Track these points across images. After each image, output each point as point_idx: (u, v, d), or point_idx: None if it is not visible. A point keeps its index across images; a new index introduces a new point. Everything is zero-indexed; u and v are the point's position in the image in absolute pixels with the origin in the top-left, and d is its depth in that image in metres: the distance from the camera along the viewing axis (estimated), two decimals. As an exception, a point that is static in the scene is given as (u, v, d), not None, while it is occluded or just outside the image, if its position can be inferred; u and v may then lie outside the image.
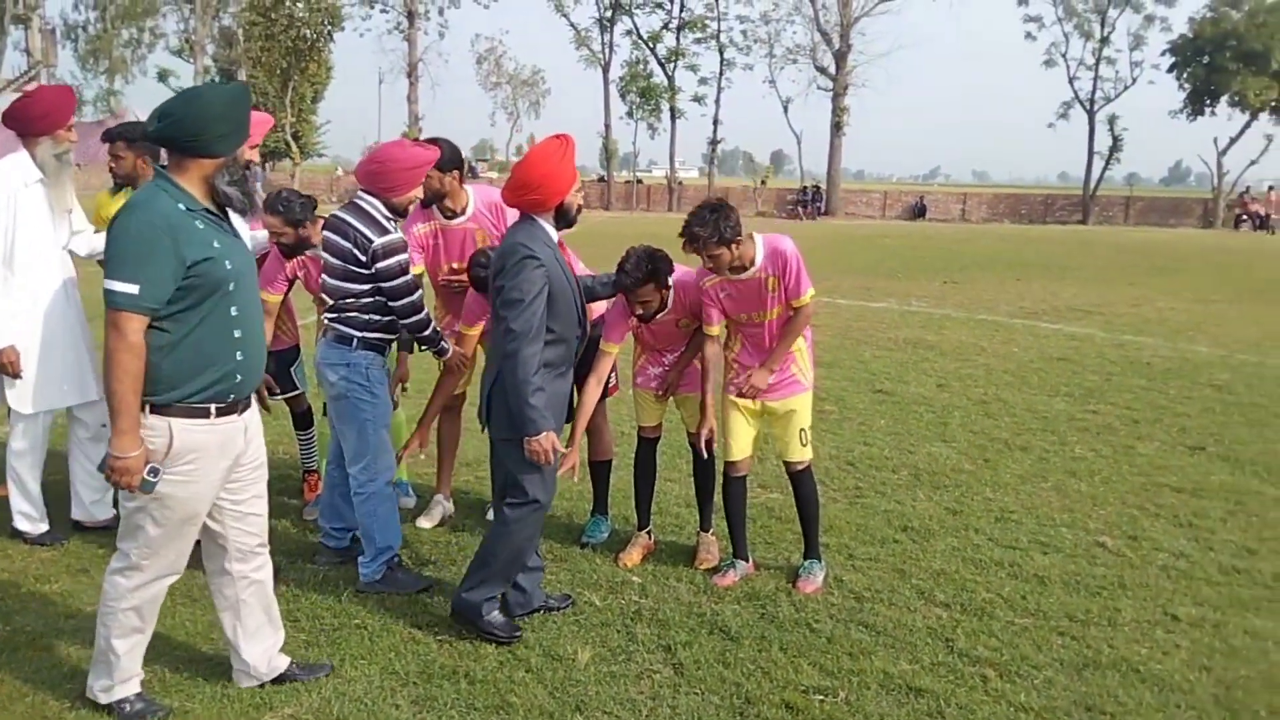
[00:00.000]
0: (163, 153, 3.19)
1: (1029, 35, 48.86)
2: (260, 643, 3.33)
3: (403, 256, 4.00)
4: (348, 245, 3.97)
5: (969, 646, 3.78)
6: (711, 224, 3.92)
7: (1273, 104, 45.43)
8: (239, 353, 2.97)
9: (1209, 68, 45.90)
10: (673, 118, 48.65)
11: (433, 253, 4.76)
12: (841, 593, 4.26)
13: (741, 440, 4.31)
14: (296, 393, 5.15)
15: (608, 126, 49.61)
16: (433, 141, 4.48)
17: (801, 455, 4.29)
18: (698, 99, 48.85)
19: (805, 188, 47.63)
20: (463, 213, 4.65)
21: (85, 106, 47.66)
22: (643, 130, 50.05)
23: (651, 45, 48.18)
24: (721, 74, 48.48)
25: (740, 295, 4.16)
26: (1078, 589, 4.34)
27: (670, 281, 4.22)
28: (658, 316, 4.31)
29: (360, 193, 4.07)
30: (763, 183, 52.29)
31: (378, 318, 4.06)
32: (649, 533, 4.71)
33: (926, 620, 3.99)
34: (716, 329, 4.27)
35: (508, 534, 3.72)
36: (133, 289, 2.74)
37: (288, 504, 5.20)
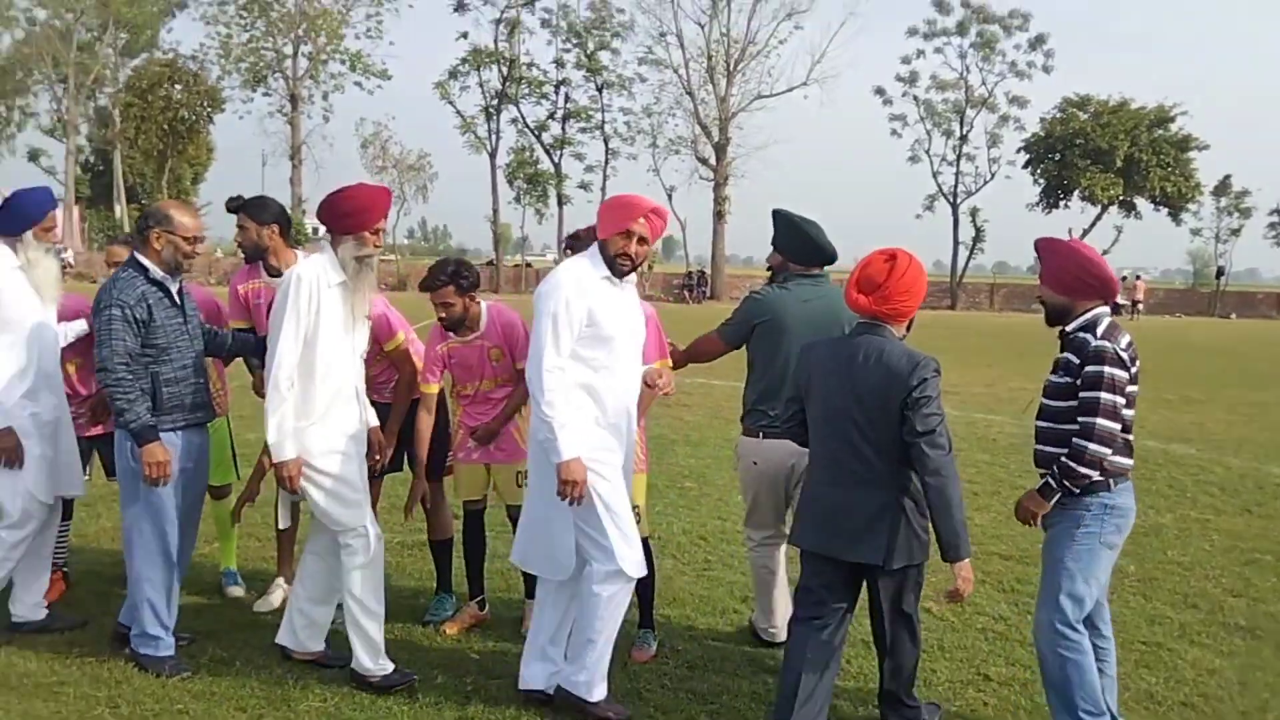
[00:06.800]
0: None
1: (894, 133, 51.49)
2: None
3: None
4: None
5: (791, 711, 3.89)
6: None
7: (1120, 199, 48.94)
8: None
9: (1060, 164, 49.29)
10: (559, 204, 49.37)
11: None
12: (675, 662, 4.34)
13: None
14: None
15: (496, 211, 49.96)
16: (258, 199, 4.58)
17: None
18: (584, 186, 49.74)
19: (690, 272, 48.72)
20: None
21: (-54, 185, 45.75)
22: (530, 215, 50.52)
23: (537, 133, 49.02)
24: (607, 163, 49.57)
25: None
26: (901, 653, 4.51)
27: (476, 296, 4.42)
28: (470, 337, 4.46)
29: None
30: (650, 267, 53.21)
31: None
32: (480, 603, 4.75)
33: (753, 686, 4.11)
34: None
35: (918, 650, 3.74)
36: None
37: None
